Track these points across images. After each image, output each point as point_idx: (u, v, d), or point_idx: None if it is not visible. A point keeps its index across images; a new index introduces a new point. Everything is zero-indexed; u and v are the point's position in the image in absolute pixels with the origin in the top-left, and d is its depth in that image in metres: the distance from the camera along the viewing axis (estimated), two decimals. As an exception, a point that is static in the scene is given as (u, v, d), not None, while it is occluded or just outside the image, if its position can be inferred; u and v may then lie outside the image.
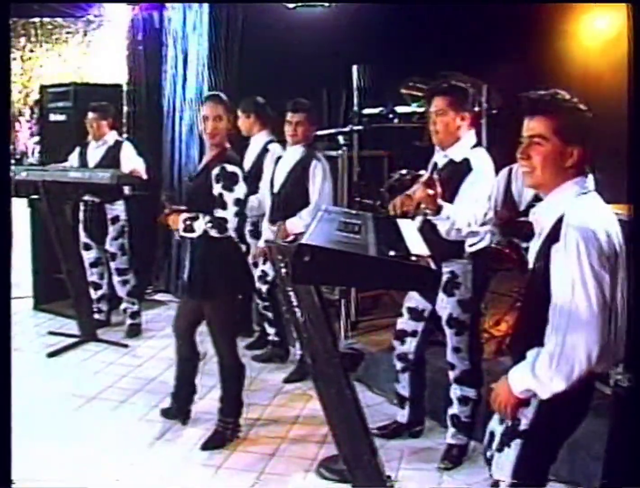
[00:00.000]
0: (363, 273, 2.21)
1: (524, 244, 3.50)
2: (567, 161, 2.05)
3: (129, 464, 3.47)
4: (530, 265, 2.18)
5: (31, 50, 11.03)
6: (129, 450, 3.61)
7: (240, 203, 3.48)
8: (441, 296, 3.32)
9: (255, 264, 4.65)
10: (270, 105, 4.91)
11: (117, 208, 5.39)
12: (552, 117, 2.05)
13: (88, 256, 5.45)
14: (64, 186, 5.12)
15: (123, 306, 5.55)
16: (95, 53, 10.20)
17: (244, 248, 3.69)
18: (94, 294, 5.50)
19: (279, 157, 4.55)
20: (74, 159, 5.46)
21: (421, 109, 5.04)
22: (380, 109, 5.44)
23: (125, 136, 6.21)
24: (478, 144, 3.40)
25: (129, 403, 4.21)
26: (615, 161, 2.46)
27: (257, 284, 4.66)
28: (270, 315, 4.81)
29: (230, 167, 3.46)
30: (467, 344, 3.36)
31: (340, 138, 4.74)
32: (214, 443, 3.64)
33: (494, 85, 4.93)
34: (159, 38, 6.56)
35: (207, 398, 4.10)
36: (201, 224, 3.41)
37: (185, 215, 3.47)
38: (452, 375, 3.42)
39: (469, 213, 3.03)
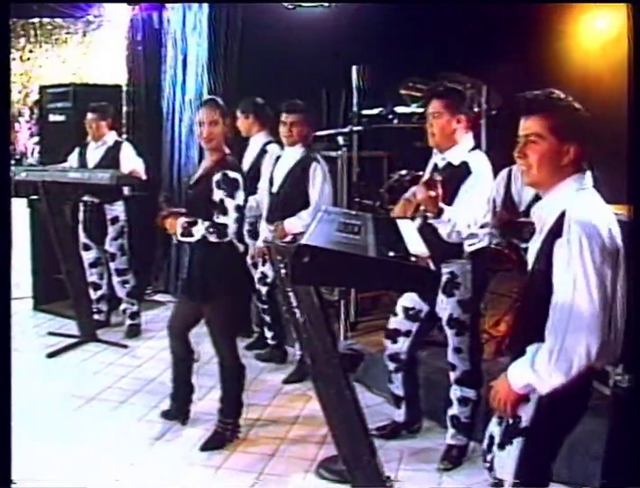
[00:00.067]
0: (362, 273, 2.21)
1: (523, 245, 3.50)
2: (564, 158, 2.08)
3: (129, 464, 3.47)
4: (531, 262, 2.19)
5: (30, 51, 11.01)
6: (129, 450, 3.61)
7: (241, 209, 3.50)
8: (441, 296, 3.32)
9: (255, 266, 4.66)
10: (270, 106, 4.91)
11: (117, 209, 5.39)
12: (548, 116, 2.08)
13: (87, 257, 5.45)
14: (64, 186, 5.12)
15: (122, 306, 5.55)
16: (95, 54, 10.19)
17: (242, 248, 3.70)
18: (93, 294, 5.50)
19: (277, 158, 4.56)
20: (73, 159, 5.46)
21: (421, 110, 5.02)
22: (380, 109, 5.45)
23: (124, 136, 6.22)
24: (476, 147, 3.41)
25: (129, 404, 4.21)
26: (615, 161, 2.46)
27: (257, 286, 4.67)
28: (268, 318, 4.81)
29: (232, 174, 3.47)
30: (468, 344, 3.36)
31: (340, 139, 4.74)
32: (213, 443, 3.64)
33: (493, 85, 4.93)
34: (158, 39, 6.56)
35: (207, 399, 4.11)
36: (200, 229, 3.41)
37: (183, 220, 3.46)
38: (452, 375, 3.41)
39: (468, 216, 3.05)
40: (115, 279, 5.47)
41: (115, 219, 5.38)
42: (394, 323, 3.57)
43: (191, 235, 3.44)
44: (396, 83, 5.53)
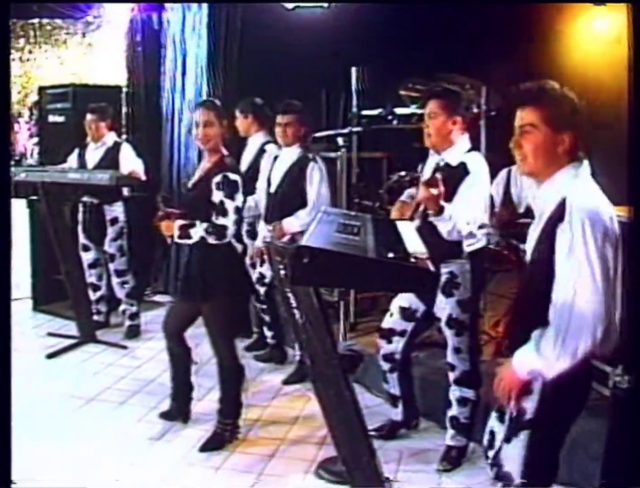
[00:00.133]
0: (362, 274, 2.21)
1: (522, 246, 3.50)
2: (559, 148, 2.12)
3: (129, 464, 3.47)
4: (530, 250, 2.20)
5: (30, 52, 11.04)
6: (129, 450, 3.61)
7: (239, 211, 3.51)
8: (440, 297, 3.32)
9: (253, 266, 4.66)
10: (269, 106, 4.91)
11: (116, 209, 5.38)
12: (541, 106, 2.12)
13: (87, 257, 5.45)
14: (63, 187, 5.12)
15: (122, 307, 5.54)
16: (94, 54, 10.21)
17: (241, 248, 3.70)
18: (92, 295, 5.50)
19: (275, 158, 4.56)
20: (72, 160, 5.45)
21: (420, 111, 5.03)
22: (380, 110, 5.45)
23: (124, 137, 6.21)
24: (474, 148, 3.42)
25: (128, 404, 4.21)
26: (615, 162, 2.47)
27: (256, 287, 4.67)
28: (267, 318, 4.81)
29: (232, 176, 3.48)
30: (467, 344, 3.36)
31: (339, 139, 4.75)
32: (213, 444, 3.64)
33: (493, 86, 4.93)
34: (158, 39, 6.55)
35: (206, 400, 4.11)
36: (198, 231, 3.41)
37: (180, 222, 3.47)
38: (452, 376, 3.41)
39: (467, 214, 3.07)
40: (115, 280, 5.47)
41: (114, 220, 5.38)
42: (390, 322, 3.55)
43: (189, 237, 3.44)
44: (396, 84, 5.54)
